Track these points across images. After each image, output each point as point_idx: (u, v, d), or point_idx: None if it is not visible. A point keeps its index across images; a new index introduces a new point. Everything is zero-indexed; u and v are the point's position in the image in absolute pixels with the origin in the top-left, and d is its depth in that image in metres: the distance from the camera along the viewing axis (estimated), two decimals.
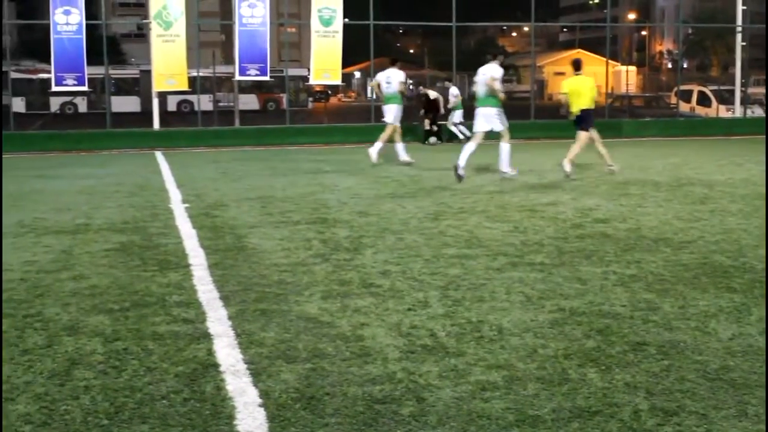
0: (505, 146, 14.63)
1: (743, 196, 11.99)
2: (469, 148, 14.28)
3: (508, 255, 7.85)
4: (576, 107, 14.94)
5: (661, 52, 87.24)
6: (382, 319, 5.77)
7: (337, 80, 25.99)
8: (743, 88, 30.00)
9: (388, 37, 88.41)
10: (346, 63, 27.47)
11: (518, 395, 4.40)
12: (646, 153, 20.20)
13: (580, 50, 78.91)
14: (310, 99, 50.70)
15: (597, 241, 8.51)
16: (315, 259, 7.75)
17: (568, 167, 14.32)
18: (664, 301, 6.23)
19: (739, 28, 30.01)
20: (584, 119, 15.01)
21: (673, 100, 34.83)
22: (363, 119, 27.53)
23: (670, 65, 79.05)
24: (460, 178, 13.61)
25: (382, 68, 18.23)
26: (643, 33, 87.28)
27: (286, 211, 10.76)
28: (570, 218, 9.99)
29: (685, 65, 76.26)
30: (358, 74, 70.18)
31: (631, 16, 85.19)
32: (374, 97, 21.03)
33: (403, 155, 17.33)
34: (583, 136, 14.92)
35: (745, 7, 30.17)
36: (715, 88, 35.19)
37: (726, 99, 31.74)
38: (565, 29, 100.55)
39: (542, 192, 12.43)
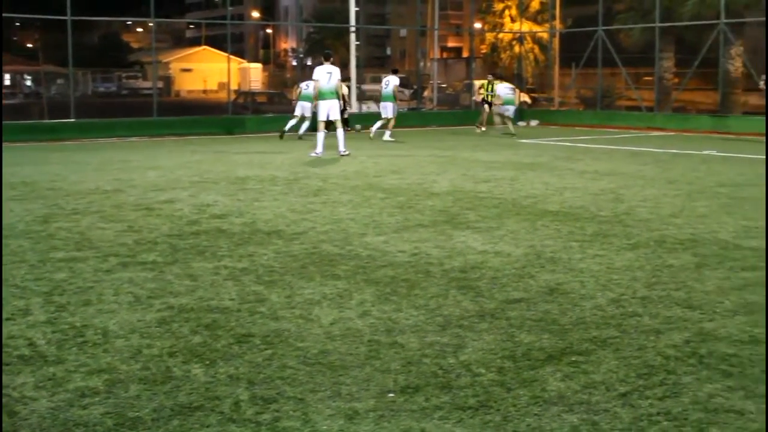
0: (340, 131, 18.28)
1: (354, 187, 12.64)
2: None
3: (119, 255, 7.66)
4: None
5: (285, 50, 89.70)
6: None
7: None
8: (358, 85, 31.63)
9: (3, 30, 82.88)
10: None
11: (119, 398, 4.30)
12: (267, 148, 20.65)
13: (206, 47, 79.17)
14: None
15: (212, 237, 8.56)
16: None
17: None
18: (272, 291, 6.39)
19: (353, 28, 31.60)
20: None
21: (294, 96, 35.89)
22: None
23: (294, 63, 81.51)
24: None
25: None
26: (269, 31, 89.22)
27: None
28: (186, 215, 9.97)
29: (308, 63, 79.02)
30: None
31: (256, 14, 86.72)
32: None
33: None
34: None
35: (358, 9, 31.76)
36: None
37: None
38: (191, 26, 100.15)
39: (161, 190, 12.28)
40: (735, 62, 31.04)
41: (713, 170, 15.49)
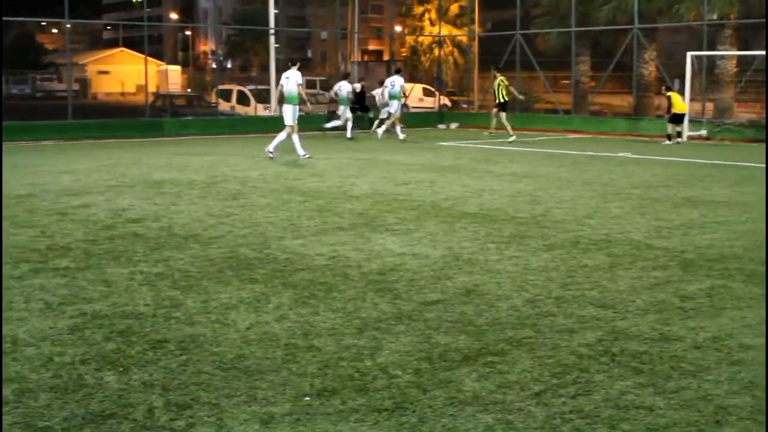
0: (287, 135, 17.92)
1: (273, 190, 12.58)
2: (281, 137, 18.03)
3: (30, 261, 7.49)
4: None
5: (205, 52, 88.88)
6: None
7: None
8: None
9: None
10: None
11: (29, 408, 4.21)
12: (186, 151, 20.38)
13: (123, 49, 77.95)
14: None
15: (127, 242, 8.43)
16: None
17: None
18: (188, 296, 6.32)
19: (272, 31, 31.47)
20: None
21: (213, 99, 35.63)
22: None
23: (214, 65, 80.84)
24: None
25: None
26: (188, 33, 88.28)
27: None
28: (102, 220, 9.80)
29: (229, 65, 78.40)
30: None
31: (174, 15, 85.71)
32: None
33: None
34: None
35: (277, 11, 31.64)
36: (253, 87, 36.59)
37: (264, 98, 33.08)
38: (108, 27, 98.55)
39: (75, 195, 12.03)
40: (648, 66, 31.76)
41: (627, 172, 15.80)
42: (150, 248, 8.12)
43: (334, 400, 4.33)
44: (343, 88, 26.36)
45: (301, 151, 17.89)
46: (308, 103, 19.29)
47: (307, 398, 4.35)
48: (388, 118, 25.68)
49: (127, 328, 5.52)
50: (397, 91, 25.43)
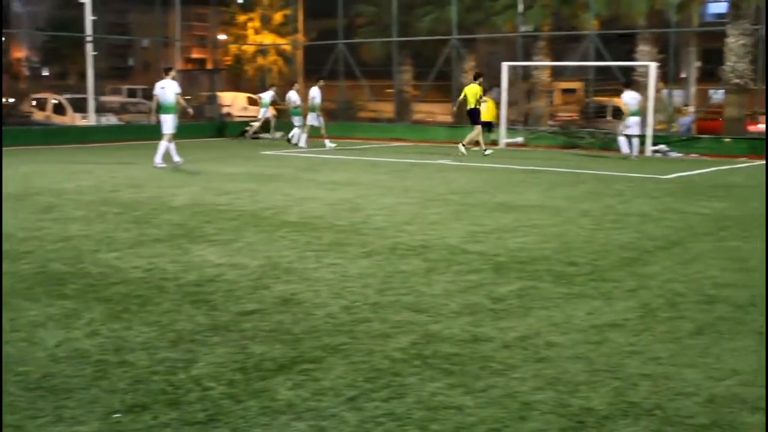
0: (164, 143, 18.34)
1: (89, 202, 12.20)
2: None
3: None
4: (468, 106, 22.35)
5: (19, 59, 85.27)
6: None
7: None
8: (97, 97, 30.57)
9: None
10: None
11: None
12: None
13: None
14: None
15: None
16: None
17: (463, 150, 22.16)
18: None
19: (90, 38, 30.51)
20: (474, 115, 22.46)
21: (28, 108, 34.25)
22: None
23: (30, 73, 77.71)
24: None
25: None
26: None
27: None
28: None
29: (46, 73, 75.46)
30: None
31: None
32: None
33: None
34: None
35: (95, 18, 30.72)
36: (70, 96, 35.34)
37: (81, 107, 31.96)
38: None
39: None
40: (467, 75, 32.70)
41: (447, 179, 16.22)
42: None
43: (146, 415, 4.25)
44: (292, 97, 27.64)
45: (176, 158, 18.53)
46: (190, 109, 19.47)
47: (117, 415, 4.25)
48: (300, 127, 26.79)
49: None
50: (317, 104, 25.80)
